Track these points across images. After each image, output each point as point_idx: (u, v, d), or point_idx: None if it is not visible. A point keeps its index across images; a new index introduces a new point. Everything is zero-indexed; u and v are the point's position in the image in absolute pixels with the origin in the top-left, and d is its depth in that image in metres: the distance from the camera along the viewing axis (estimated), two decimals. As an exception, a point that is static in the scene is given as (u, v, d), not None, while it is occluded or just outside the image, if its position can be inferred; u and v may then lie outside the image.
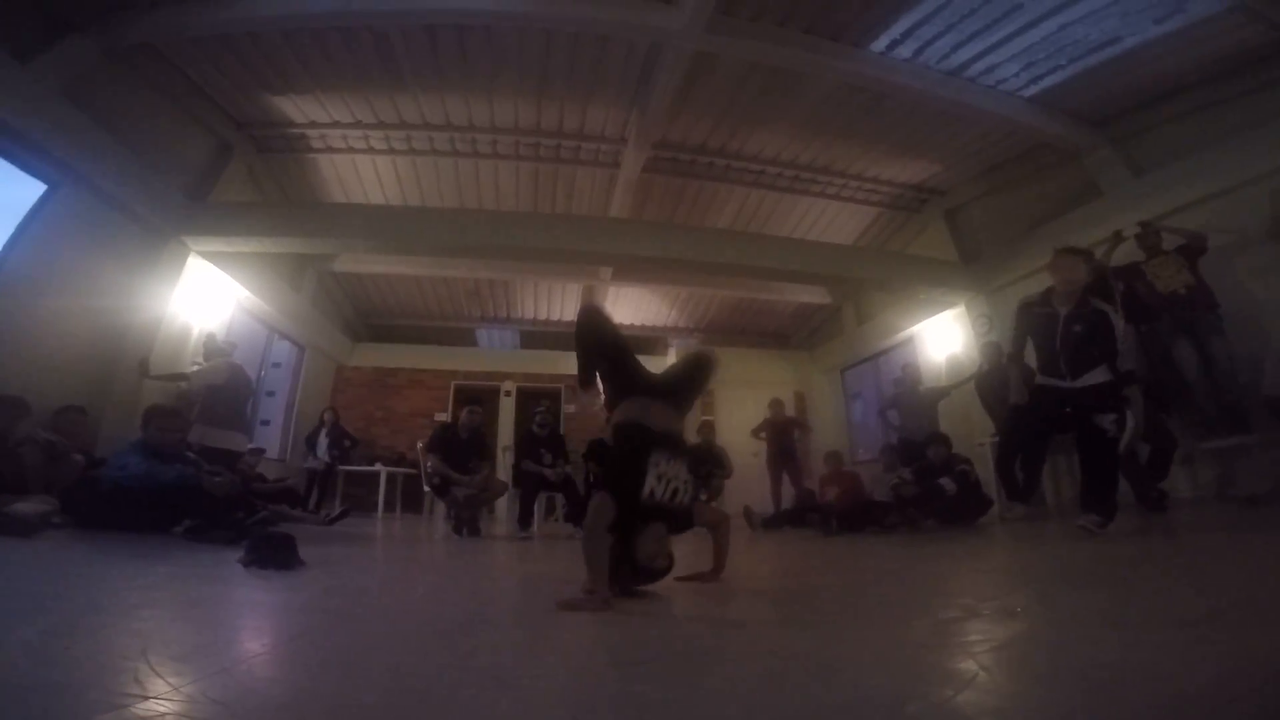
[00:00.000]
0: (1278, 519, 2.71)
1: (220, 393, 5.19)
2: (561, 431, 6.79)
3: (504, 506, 6.56)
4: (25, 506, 3.18)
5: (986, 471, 5.51)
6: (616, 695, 0.97)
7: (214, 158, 6.36)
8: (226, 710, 0.82)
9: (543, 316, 11.09)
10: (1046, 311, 3.63)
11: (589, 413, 5.96)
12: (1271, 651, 0.90)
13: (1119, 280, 5.33)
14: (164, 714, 0.79)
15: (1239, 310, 4.68)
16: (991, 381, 5.64)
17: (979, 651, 1.09)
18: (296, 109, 6.08)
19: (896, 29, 5.01)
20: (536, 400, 8.83)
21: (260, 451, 7.10)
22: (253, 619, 1.68)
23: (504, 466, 7.55)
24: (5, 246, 4.51)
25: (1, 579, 1.95)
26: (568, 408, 10.56)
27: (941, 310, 7.86)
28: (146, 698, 0.84)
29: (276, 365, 8.84)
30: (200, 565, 2.55)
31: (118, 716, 0.77)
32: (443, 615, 1.80)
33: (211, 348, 5.59)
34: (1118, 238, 5.36)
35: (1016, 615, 1.48)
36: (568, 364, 10.76)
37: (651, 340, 11.50)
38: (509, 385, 10.49)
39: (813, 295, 9.70)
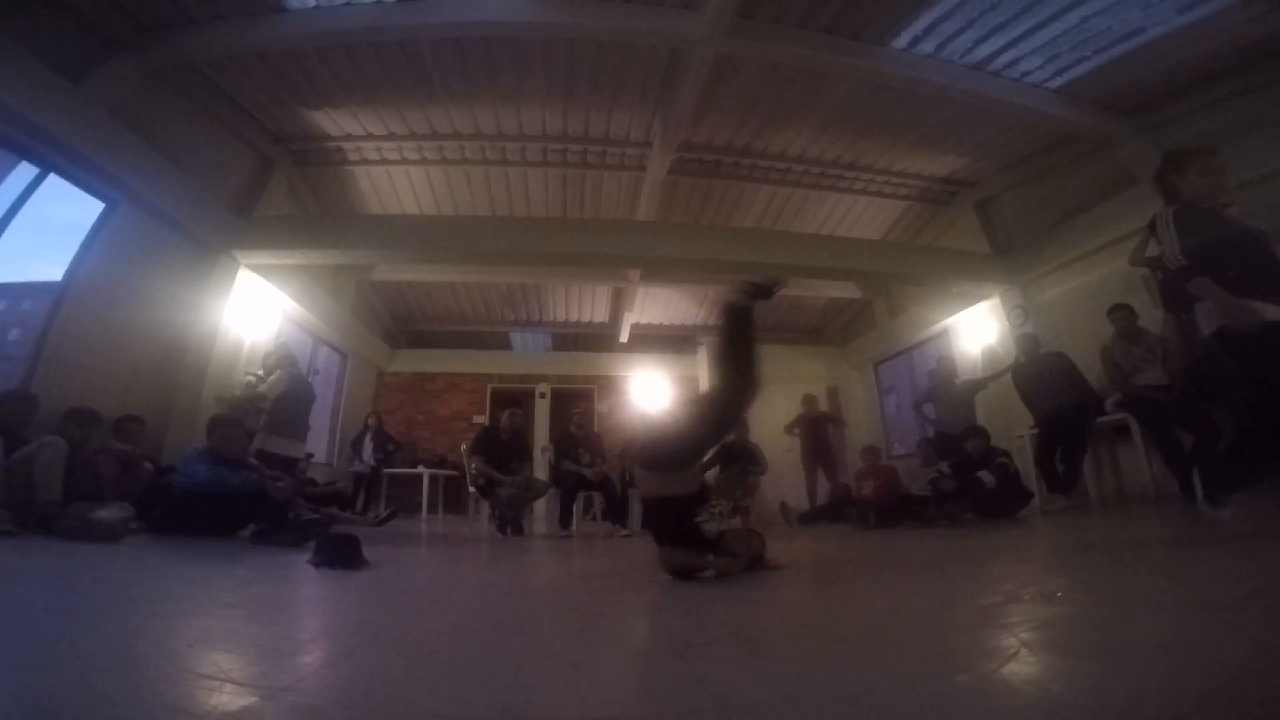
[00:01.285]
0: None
1: (284, 401, 5.37)
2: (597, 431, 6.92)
3: (542, 506, 6.71)
4: (107, 513, 3.30)
5: (1026, 464, 5.49)
6: (681, 675, 1.04)
7: (256, 173, 6.58)
8: (333, 699, 0.94)
9: (574, 319, 11.24)
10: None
11: None
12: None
13: (1156, 269, 5.26)
14: (282, 693, 0.91)
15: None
16: (1028, 373, 5.60)
17: (1020, 631, 1.16)
18: (332, 122, 6.27)
19: (918, 26, 5.00)
20: (570, 401, 8.99)
21: (309, 456, 7.38)
22: (334, 616, 1.80)
23: (542, 467, 7.73)
24: (71, 264, 4.74)
25: (104, 583, 2.07)
26: (600, 407, 10.73)
27: (975, 303, 7.78)
28: (265, 686, 0.97)
29: (316, 373, 9.13)
30: (274, 567, 2.69)
31: (251, 703, 0.88)
32: (508, 607, 1.92)
33: (281, 356, 5.74)
34: (1154, 226, 5.27)
35: (1056, 599, 1.54)
36: (599, 365, 11.07)
37: (680, 340, 11.59)
38: (543, 387, 10.69)
39: (843, 290, 9.66)
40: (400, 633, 1.52)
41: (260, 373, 5.73)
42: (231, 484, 3.82)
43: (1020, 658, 1.00)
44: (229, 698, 0.90)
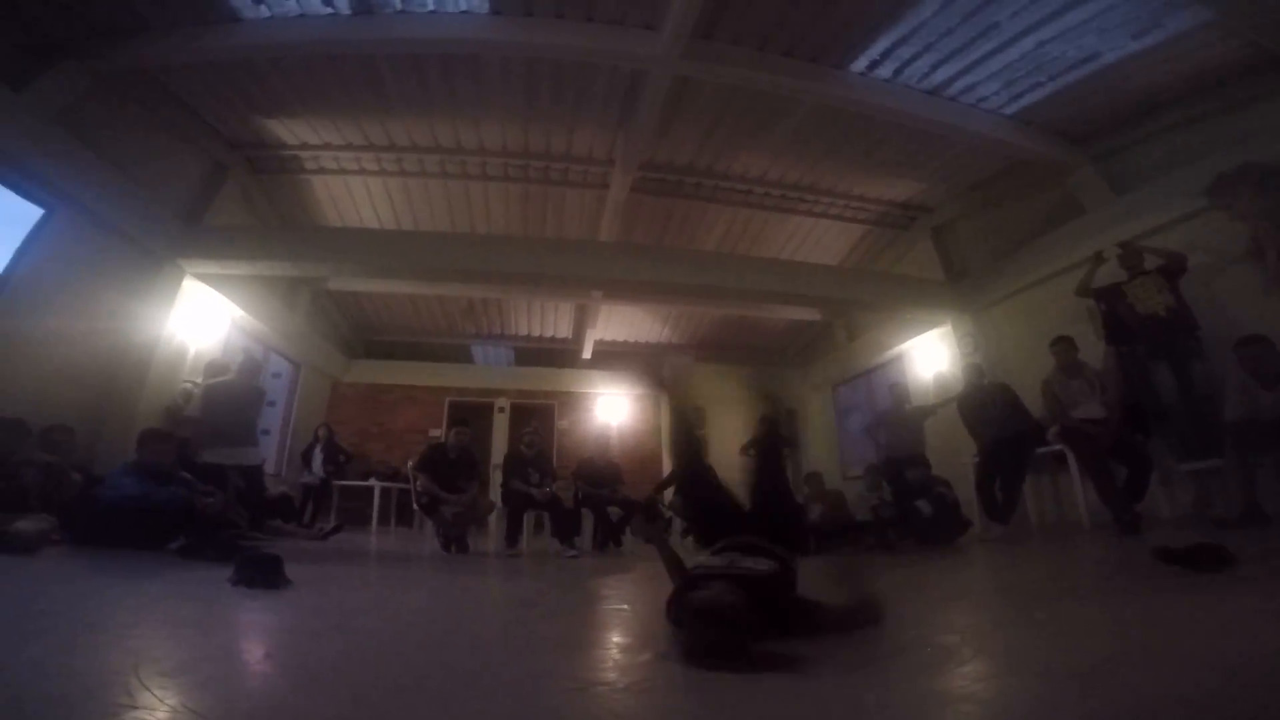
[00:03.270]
0: (1245, 542, 2.75)
1: (214, 412, 5.26)
2: (552, 450, 6.86)
3: (495, 522, 6.63)
4: (25, 524, 3.26)
5: (970, 491, 5.57)
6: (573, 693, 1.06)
7: (208, 178, 6.46)
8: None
9: (536, 333, 11.21)
10: None
11: None
12: (1143, 702, 0.97)
13: (1100, 301, 5.44)
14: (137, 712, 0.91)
15: (1218, 332, 4.65)
16: (972, 402, 5.72)
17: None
18: (288, 131, 6.21)
19: (875, 49, 5.11)
20: (530, 416, 8.92)
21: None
22: (235, 637, 1.77)
23: (496, 484, 7.63)
24: (5, 269, 4.60)
25: (5, 595, 2.05)
26: (560, 424, 10.69)
27: (929, 329, 7.96)
28: (135, 708, 0.96)
29: (277, 375, 8.94)
30: (191, 584, 2.63)
31: None
32: (415, 631, 1.91)
33: (212, 365, 5.70)
34: (1098, 258, 5.46)
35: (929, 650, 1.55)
36: (561, 380, 11.03)
37: (644, 357, 11.63)
38: (503, 401, 10.62)
39: (803, 312, 9.81)
40: (290, 657, 1.50)
41: (199, 380, 5.61)
42: (158, 499, 3.73)
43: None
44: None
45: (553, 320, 10.74)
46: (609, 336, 11.11)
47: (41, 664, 1.26)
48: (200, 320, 6.26)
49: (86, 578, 2.73)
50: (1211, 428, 4.48)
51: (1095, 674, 1.15)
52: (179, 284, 5.95)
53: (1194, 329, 4.77)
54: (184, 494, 3.81)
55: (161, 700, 1.00)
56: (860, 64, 5.29)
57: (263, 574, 2.61)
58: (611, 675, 1.34)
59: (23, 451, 4.03)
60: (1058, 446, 5.07)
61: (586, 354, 10.95)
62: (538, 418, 7.95)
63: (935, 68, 5.29)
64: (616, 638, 1.93)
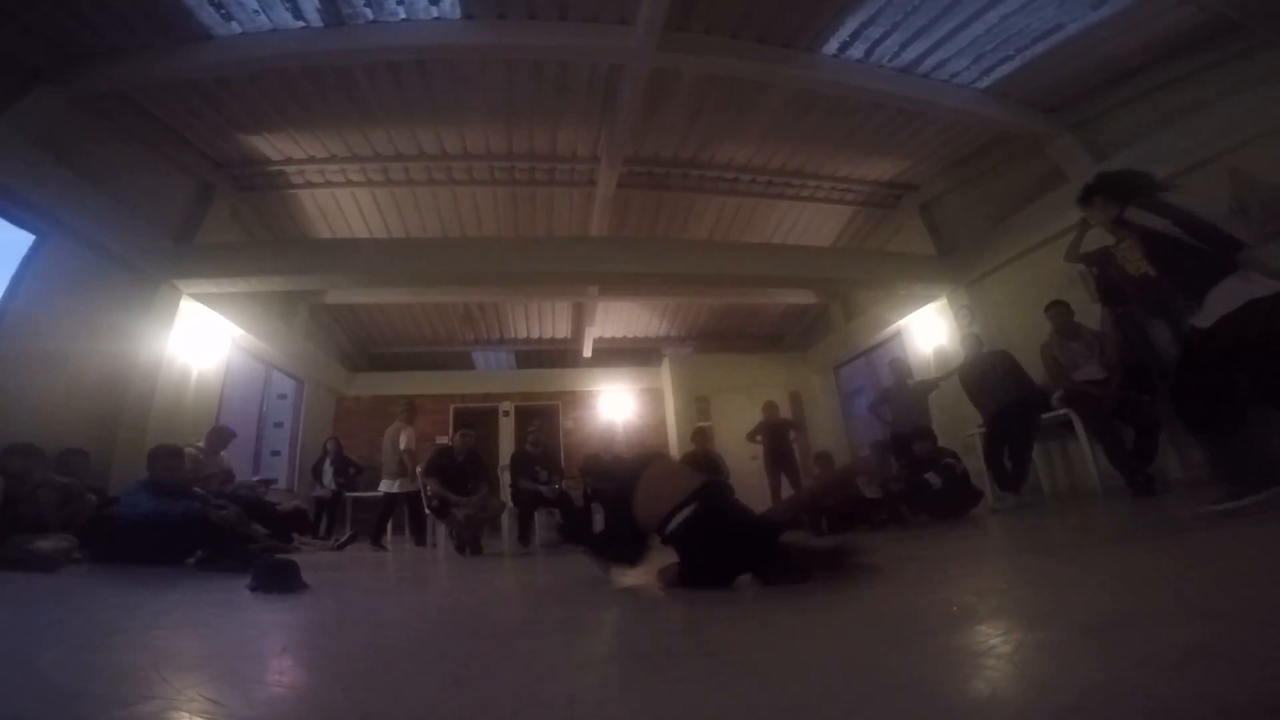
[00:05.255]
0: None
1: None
2: (559, 449, 6.88)
3: (507, 523, 6.67)
4: (46, 544, 3.36)
5: (978, 463, 5.59)
6: (594, 690, 1.08)
7: (196, 199, 6.47)
8: (223, 709, 0.95)
9: (535, 336, 11.26)
10: None
11: None
12: (1160, 654, 0.96)
13: (1091, 265, 5.45)
14: (169, 712, 0.93)
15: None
16: (973, 372, 5.73)
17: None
18: (271, 147, 6.22)
19: (844, 31, 5.14)
20: (535, 418, 8.94)
21: (270, 481, 7.23)
22: (252, 635, 1.80)
23: (504, 485, 7.67)
24: (3, 297, 4.64)
25: (30, 609, 2.10)
26: (565, 423, 10.72)
27: (925, 304, 7.98)
28: (154, 699, 0.99)
29: (282, 396, 8.98)
30: (209, 591, 2.68)
31: (131, 713, 0.90)
32: (425, 626, 1.93)
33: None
34: (1084, 224, 5.46)
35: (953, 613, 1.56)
36: (563, 380, 11.06)
37: (645, 352, 11.65)
38: (507, 405, 10.65)
39: (800, 296, 9.84)
40: (309, 649, 1.54)
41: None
42: (174, 513, 3.80)
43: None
44: (100, 709, 0.93)
45: (551, 321, 10.77)
46: (608, 334, 11.14)
47: (63, 663, 1.28)
48: (200, 340, 6.30)
49: (106, 590, 2.79)
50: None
51: (1114, 627, 1.14)
52: (176, 304, 5.99)
53: None
54: (198, 507, 3.87)
55: (180, 691, 1.02)
56: (831, 46, 5.32)
57: (280, 579, 2.65)
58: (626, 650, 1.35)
59: (39, 474, 4.10)
60: (1063, 411, 5.08)
61: (587, 353, 10.98)
62: (542, 419, 7.96)
63: (905, 46, 5.33)
64: (629, 614, 1.95)
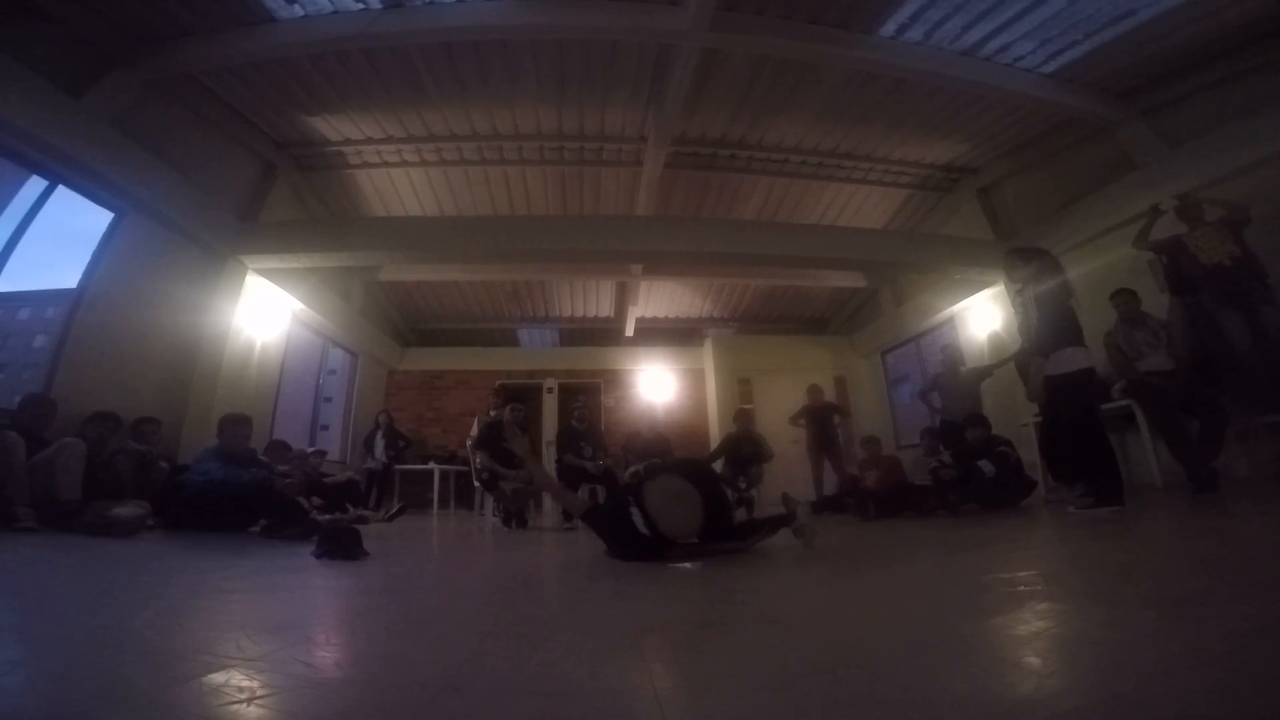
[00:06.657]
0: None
1: None
2: (601, 425, 6.97)
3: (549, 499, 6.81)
4: (124, 510, 3.49)
5: (1032, 452, 5.45)
6: (641, 653, 1.13)
7: (260, 179, 6.73)
8: (312, 669, 1.02)
9: (579, 314, 11.35)
10: None
11: None
12: (1240, 624, 0.96)
13: (1161, 254, 5.21)
14: (263, 670, 0.99)
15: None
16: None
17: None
18: (330, 128, 6.38)
19: (903, 13, 4.99)
20: (578, 395, 9.06)
21: (322, 454, 7.54)
22: (326, 600, 1.90)
23: (548, 461, 7.82)
24: (85, 272, 4.92)
25: (119, 574, 2.22)
26: (607, 400, 10.83)
27: (980, 290, 7.74)
28: (249, 660, 1.04)
29: (332, 372, 9.32)
30: (278, 558, 2.80)
31: (227, 675, 0.95)
32: (489, 592, 2.02)
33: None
34: (1155, 211, 5.24)
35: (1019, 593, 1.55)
36: (606, 359, 11.16)
37: (687, 333, 11.64)
38: (551, 382, 10.81)
39: (848, 279, 9.65)
40: (375, 613, 1.62)
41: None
42: (242, 480, 3.96)
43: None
44: (202, 668, 0.98)
45: (595, 300, 10.84)
46: (650, 314, 11.16)
47: (156, 624, 1.37)
48: (263, 313, 6.57)
49: (182, 556, 2.92)
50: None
51: (1173, 606, 1.14)
52: (243, 279, 6.25)
53: (1263, 277, 4.53)
54: (265, 475, 4.04)
55: (270, 653, 1.08)
56: (889, 28, 5.17)
57: (343, 547, 2.77)
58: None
59: (116, 441, 4.34)
60: (1124, 402, 4.90)
61: (629, 331, 11.03)
62: (585, 396, 8.05)
63: (966, 29, 5.15)
64: (679, 586, 2.00)
